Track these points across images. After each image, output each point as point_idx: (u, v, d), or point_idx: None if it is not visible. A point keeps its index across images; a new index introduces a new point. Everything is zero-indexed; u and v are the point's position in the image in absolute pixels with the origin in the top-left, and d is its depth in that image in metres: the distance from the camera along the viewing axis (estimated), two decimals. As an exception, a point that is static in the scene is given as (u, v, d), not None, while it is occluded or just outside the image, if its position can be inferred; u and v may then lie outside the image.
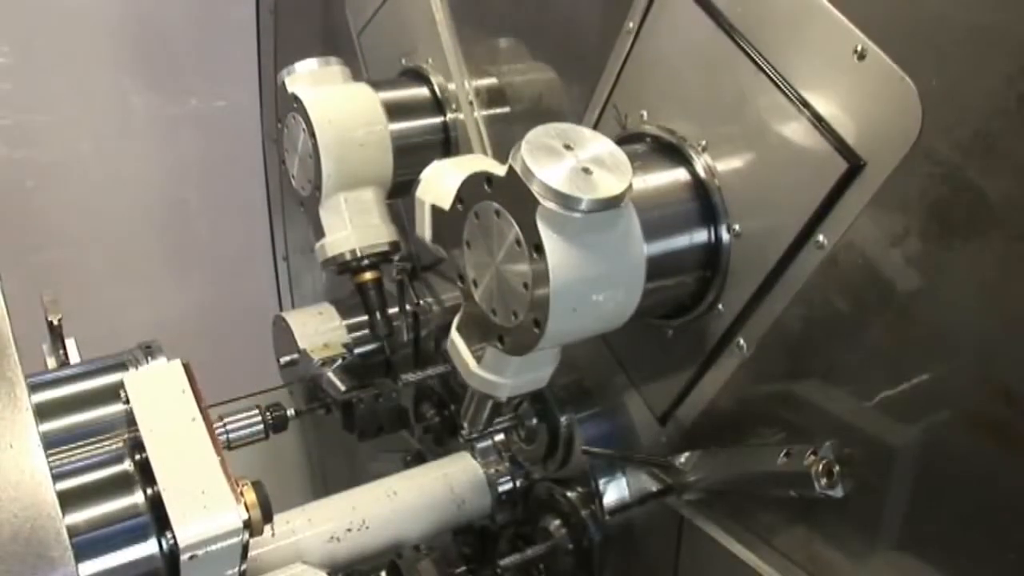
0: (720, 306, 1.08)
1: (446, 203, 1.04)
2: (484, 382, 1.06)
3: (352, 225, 1.45)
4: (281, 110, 1.51)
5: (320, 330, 1.70)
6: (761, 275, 1.02)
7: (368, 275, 1.50)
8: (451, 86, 1.48)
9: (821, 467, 0.95)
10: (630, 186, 0.91)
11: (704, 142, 1.07)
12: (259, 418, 1.42)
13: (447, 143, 1.50)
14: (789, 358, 1.02)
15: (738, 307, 1.06)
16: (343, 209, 1.44)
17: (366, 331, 1.66)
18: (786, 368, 1.03)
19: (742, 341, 1.06)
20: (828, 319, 0.97)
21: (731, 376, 1.09)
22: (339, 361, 1.63)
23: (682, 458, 1.15)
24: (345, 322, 1.72)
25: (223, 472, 0.89)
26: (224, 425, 1.39)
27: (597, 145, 0.94)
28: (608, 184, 0.90)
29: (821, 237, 0.95)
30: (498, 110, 1.41)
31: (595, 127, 1.20)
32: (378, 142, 1.45)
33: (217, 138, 2.38)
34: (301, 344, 1.67)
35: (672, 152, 1.09)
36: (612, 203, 0.90)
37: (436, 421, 1.66)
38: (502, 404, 1.11)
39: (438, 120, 1.50)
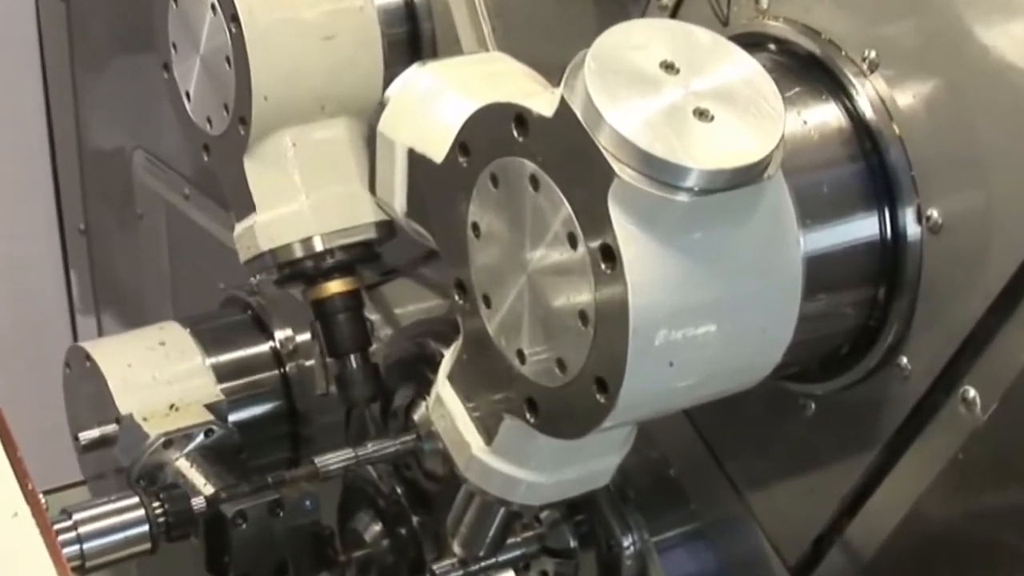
0: (904, 359, 1.11)
1: (437, 151, 1.05)
2: (495, 478, 1.08)
3: (308, 191, 1.45)
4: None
5: (161, 377, 1.70)
6: (982, 305, 1.04)
7: (337, 285, 1.48)
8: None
9: None
10: (782, 141, 0.92)
11: (873, 54, 1.09)
12: (141, 512, 1.39)
13: (414, 41, 1.51)
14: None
15: (940, 359, 1.08)
16: (290, 160, 1.45)
17: (255, 377, 1.69)
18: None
19: (972, 393, 1.06)
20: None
21: (943, 472, 1.11)
22: (199, 439, 1.62)
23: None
24: (212, 360, 1.73)
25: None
26: (75, 526, 1.37)
27: (723, 63, 0.94)
28: (742, 140, 0.91)
29: None
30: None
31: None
32: (356, 31, 1.43)
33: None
34: (122, 405, 1.67)
35: (815, 71, 1.12)
36: (748, 175, 0.91)
37: (383, 547, 1.66)
38: (521, 515, 1.15)
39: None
